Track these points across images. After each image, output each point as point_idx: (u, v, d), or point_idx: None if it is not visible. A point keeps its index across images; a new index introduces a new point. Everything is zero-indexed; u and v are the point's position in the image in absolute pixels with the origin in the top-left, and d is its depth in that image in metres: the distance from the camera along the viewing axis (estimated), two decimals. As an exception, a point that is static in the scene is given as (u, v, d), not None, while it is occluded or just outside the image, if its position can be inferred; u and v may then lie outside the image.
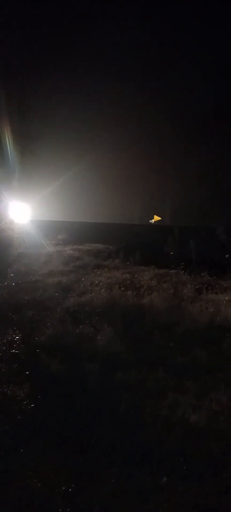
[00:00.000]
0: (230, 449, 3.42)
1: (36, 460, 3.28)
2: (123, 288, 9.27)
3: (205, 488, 2.97)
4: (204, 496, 2.91)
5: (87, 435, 3.63)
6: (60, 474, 3.14)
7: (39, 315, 7.45)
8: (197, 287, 9.54)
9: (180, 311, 7.50)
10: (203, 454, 3.34)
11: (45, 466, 3.22)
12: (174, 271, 11.74)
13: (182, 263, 12.24)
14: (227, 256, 14.05)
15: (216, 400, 4.24)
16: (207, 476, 3.09)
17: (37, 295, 8.97)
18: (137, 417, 3.92)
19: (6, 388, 4.55)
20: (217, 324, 6.81)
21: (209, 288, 9.44)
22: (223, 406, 4.15)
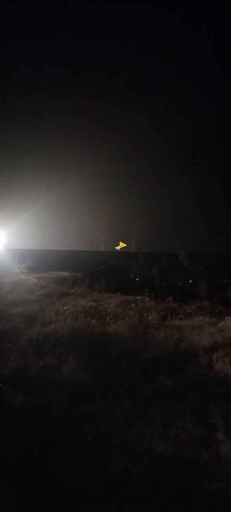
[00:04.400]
0: (197, 477, 3.40)
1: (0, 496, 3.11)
2: (88, 317, 9.18)
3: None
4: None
5: (52, 470, 3.50)
6: (25, 509, 2.99)
7: (1, 347, 7.20)
8: (162, 313, 9.63)
9: (145, 338, 7.51)
10: (171, 484, 3.30)
11: (9, 503, 3.06)
12: (139, 297, 11.81)
13: (147, 289, 12.36)
14: (190, 281, 14.35)
15: (182, 428, 4.23)
16: (175, 506, 3.05)
17: (-1, 326, 8.68)
18: (103, 449, 3.83)
19: None
20: (182, 350, 6.87)
21: (174, 314, 9.55)
22: (189, 433, 4.15)
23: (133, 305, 10.71)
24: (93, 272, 18.41)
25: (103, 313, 9.78)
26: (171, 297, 11.51)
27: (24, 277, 17.97)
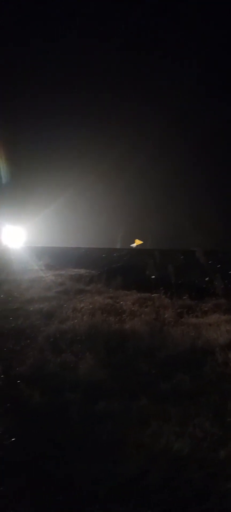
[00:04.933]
0: (213, 477, 3.39)
1: (14, 500, 3.18)
2: (105, 314, 9.22)
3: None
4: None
5: (68, 469, 3.55)
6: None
7: (20, 344, 7.32)
8: (178, 311, 9.59)
9: (162, 336, 7.50)
10: (187, 484, 3.31)
11: (24, 506, 3.12)
12: (155, 295, 11.78)
13: (164, 287, 12.31)
14: (207, 279, 14.22)
15: (199, 426, 4.22)
16: (192, 507, 3.05)
17: (17, 323, 8.82)
18: (119, 448, 3.86)
19: (-15, 422, 4.42)
20: (199, 348, 6.84)
21: (190, 311, 9.50)
22: (206, 432, 4.14)
23: (149, 303, 10.69)
24: (109, 269, 18.45)
25: (120, 310, 9.80)
26: (188, 295, 11.44)
27: (41, 274, 18.16)
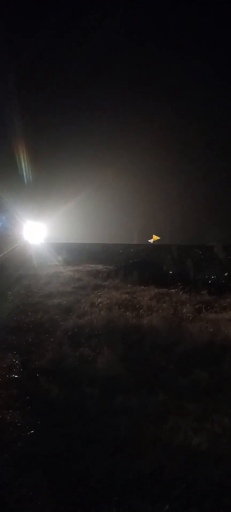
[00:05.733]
0: (231, 474, 3.36)
1: (34, 491, 3.22)
2: (122, 309, 9.24)
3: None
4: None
5: (86, 463, 3.57)
6: (58, 504, 3.08)
7: (39, 338, 7.41)
8: (197, 306, 9.52)
9: (179, 331, 7.46)
10: (205, 480, 3.29)
11: (43, 497, 3.16)
12: (173, 290, 11.73)
13: (181, 282, 12.24)
14: (226, 274, 14.05)
15: (218, 422, 4.19)
16: (209, 503, 3.04)
17: (36, 318, 8.93)
18: (137, 443, 3.86)
19: (5, 413, 4.49)
20: (217, 344, 6.77)
21: (209, 307, 9.42)
22: (225, 428, 4.10)
23: (167, 298, 10.66)
24: (127, 265, 18.46)
25: (137, 306, 9.80)
26: (206, 290, 11.34)
27: (60, 270, 18.32)
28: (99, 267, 19.57)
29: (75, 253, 25.60)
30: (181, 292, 11.29)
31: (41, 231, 32.71)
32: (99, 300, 10.59)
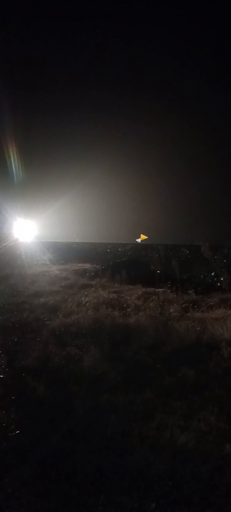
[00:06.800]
0: (218, 471, 3.37)
1: (21, 489, 3.18)
2: (109, 308, 9.22)
3: (194, 513, 2.91)
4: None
5: (73, 461, 3.54)
6: (45, 502, 3.05)
7: (25, 337, 7.34)
8: (184, 305, 9.56)
9: (166, 330, 7.48)
10: (192, 477, 3.29)
11: (30, 495, 3.12)
12: (160, 289, 11.76)
13: (168, 282, 12.29)
14: (212, 274, 14.17)
15: (204, 420, 4.20)
16: (196, 500, 3.04)
17: (23, 317, 8.85)
18: (124, 441, 3.85)
19: (-10, 414, 4.43)
20: (204, 342, 6.81)
21: (196, 306, 9.47)
22: (211, 426, 4.12)
23: (154, 297, 10.68)
24: (114, 264, 18.45)
25: (125, 305, 9.80)
26: (193, 289, 11.41)
27: (46, 269, 18.20)
28: (87, 266, 19.52)
29: (63, 252, 25.49)
30: (168, 291, 11.33)
31: (31, 230, 32.53)
32: (86, 299, 10.56)
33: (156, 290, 11.77)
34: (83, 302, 10.07)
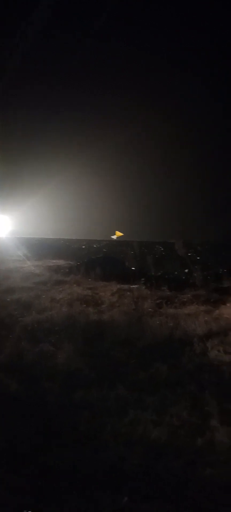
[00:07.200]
0: (190, 465, 3.42)
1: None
2: (83, 305, 9.18)
3: (166, 507, 2.94)
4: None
5: (46, 456, 3.51)
6: (18, 498, 3.00)
7: (-3, 333, 7.19)
8: (157, 301, 9.64)
9: (140, 326, 7.52)
10: (164, 472, 3.33)
11: (4, 491, 3.07)
12: (134, 286, 11.81)
13: (143, 278, 12.36)
14: (186, 270, 14.39)
15: (177, 415, 4.25)
16: (169, 494, 3.07)
17: (-5, 313, 8.66)
18: (97, 436, 3.85)
19: None
20: (177, 338, 6.89)
21: (169, 302, 9.57)
22: (184, 420, 4.17)
23: (128, 294, 10.72)
24: (89, 261, 18.39)
25: (99, 301, 9.79)
26: (167, 286, 11.52)
27: (20, 265, 17.91)
28: (61, 262, 19.34)
29: (38, 248, 25.17)
30: (142, 288, 11.40)
31: (6, 225, 31.84)
32: (60, 295, 10.46)
33: (130, 286, 11.81)
34: (57, 299, 9.97)
